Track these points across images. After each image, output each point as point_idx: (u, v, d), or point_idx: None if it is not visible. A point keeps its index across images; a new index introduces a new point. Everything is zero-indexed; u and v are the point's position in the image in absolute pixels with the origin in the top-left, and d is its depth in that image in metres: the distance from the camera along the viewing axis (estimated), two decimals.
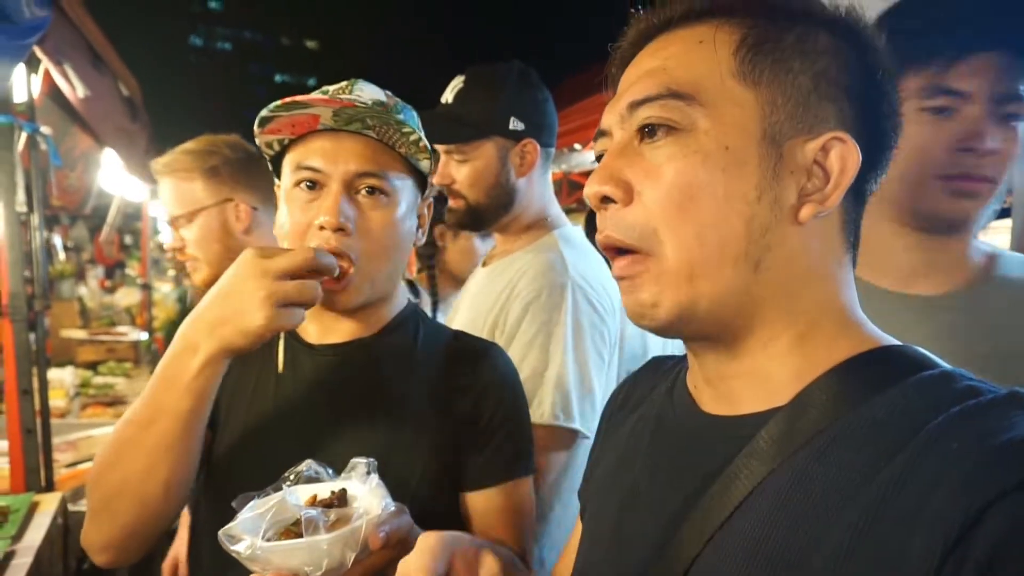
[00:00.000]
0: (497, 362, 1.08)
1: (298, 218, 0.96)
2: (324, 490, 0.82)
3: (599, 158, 0.65)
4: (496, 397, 1.04)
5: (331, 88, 0.98)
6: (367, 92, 0.97)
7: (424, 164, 1.02)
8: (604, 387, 1.44)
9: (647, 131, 0.60)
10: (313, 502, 0.81)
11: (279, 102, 0.92)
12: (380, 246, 0.97)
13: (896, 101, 0.61)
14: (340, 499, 0.81)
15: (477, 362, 1.06)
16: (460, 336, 1.13)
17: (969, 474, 0.44)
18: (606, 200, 0.61)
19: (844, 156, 0.57)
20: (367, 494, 0.81)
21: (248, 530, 0.75)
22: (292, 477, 0.83)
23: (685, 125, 0.58)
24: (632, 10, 0.66)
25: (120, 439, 0.87)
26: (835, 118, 0.58)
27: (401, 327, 1.08)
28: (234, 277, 0.82)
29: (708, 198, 0.57)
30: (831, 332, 0.59)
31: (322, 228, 0.94)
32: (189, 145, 1.71)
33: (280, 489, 0.82)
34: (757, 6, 0.60)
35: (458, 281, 2.32)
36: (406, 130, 0.95)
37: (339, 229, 0.93)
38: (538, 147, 1.54)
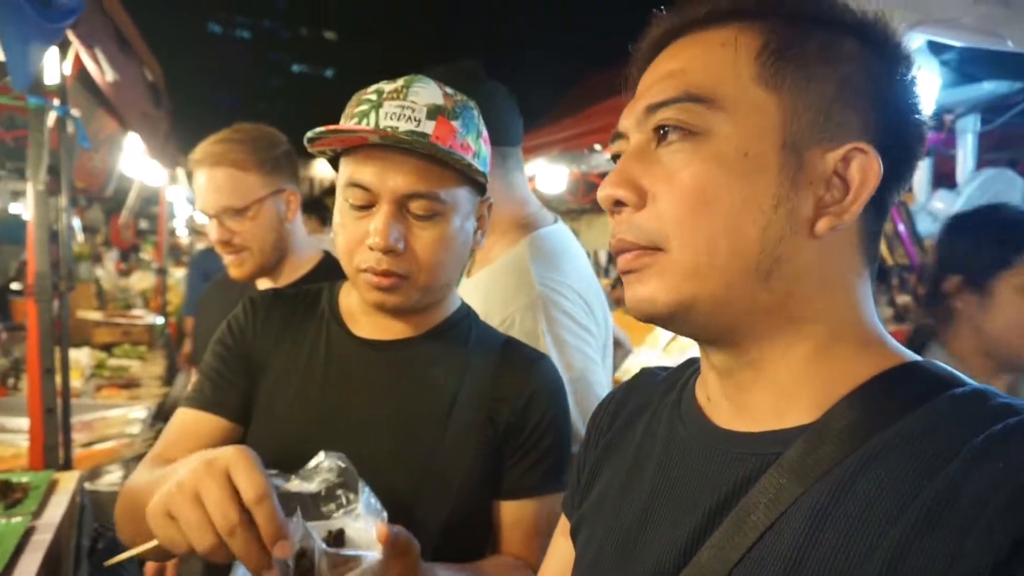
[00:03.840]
0: (546, 373, 1.06)
1: (350, 231, 0.95)
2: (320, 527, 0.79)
3: (615, 159, 0.64)
4: (542, 408, 1.02)
5: (387, 88, 0.94)
6: (423, 96, 0.93)
7: (480, 178, 0.99)
8: (609, 383, 1.41)
9: (662, 133, 0.58)
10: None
11: (322, 128, 0.90)
12: (432, 262, 0.96)
13: (921, 112, 0.58)
14: (337, 539, 0.79)
15: (526, 371, 1.05)
16: (512, 343, 1.11)
17: (1017, 493, 0.43)
18: (619, 204, 0.59)
19: (865, 168, 0.55)
20: (364, 519, 0.79)
21: None
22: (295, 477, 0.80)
23: (703, 129, 0.56)
24: (655, 10, 0.64)
25: (128, 501, 0.90)
26: (859, 128, 0.56)
27: (453, 329, 1.07)
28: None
29: (723, 204, 0.55)
30: (852, 347, 0.58)
31: (372, 249, 0.93)
32: (234, 135, 1.67)
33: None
34: (781, 9, 0.58)
35: None
36: (455, 157, 0.91)
37: (389, 251, 0.92)
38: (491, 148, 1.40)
